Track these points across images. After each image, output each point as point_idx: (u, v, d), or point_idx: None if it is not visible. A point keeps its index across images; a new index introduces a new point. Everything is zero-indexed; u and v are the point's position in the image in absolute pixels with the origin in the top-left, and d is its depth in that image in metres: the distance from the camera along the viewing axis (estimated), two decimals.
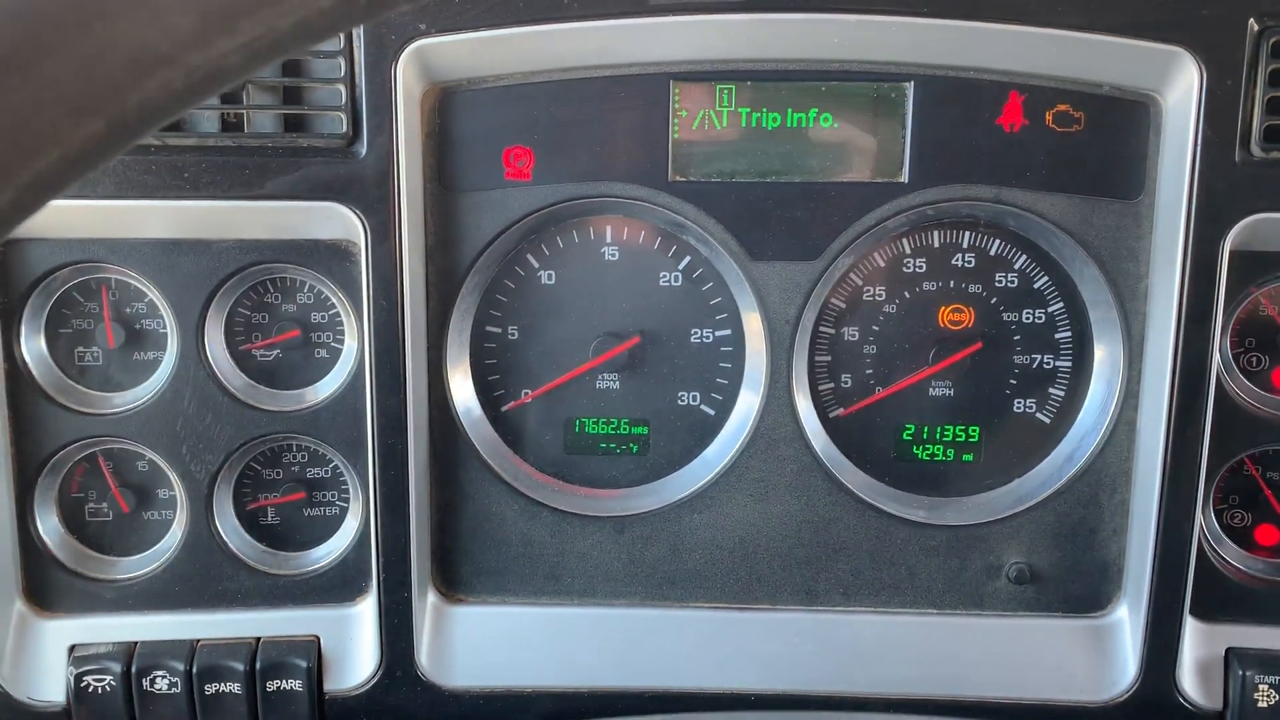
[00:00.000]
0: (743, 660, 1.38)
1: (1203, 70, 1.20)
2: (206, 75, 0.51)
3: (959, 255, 1.35)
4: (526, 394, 1.39)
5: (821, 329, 1.37)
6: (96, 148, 0.50)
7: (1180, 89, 1.22)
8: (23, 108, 0.47)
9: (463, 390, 1.37)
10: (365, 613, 1.37)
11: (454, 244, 1.31)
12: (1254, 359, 1.36)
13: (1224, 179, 1.22)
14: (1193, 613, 1.33)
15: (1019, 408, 1.38)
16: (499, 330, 1.38)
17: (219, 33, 0.50)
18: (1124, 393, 1.33)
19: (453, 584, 1.40)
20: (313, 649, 1.35)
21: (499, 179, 1.29)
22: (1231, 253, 1.25)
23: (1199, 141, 1.21)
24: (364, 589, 1.37)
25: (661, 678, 1.38)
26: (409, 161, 1.24)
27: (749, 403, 1.37)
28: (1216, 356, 1.28)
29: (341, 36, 1.22)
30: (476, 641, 1.39)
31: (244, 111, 1.25)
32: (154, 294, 1.33)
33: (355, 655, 1.37)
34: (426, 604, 1.37)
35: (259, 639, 1.35)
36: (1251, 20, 1.20)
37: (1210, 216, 1.23)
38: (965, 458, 1.40)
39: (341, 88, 1.24)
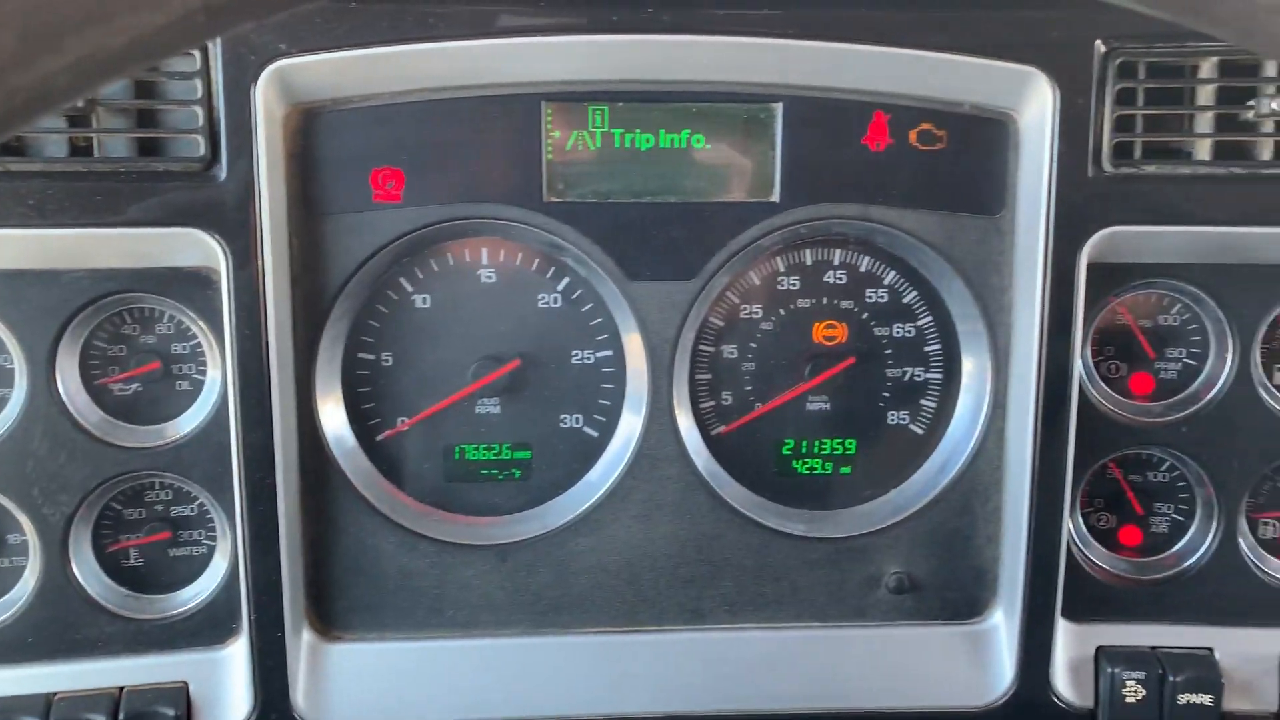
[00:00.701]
0: (631, 684, 1.37)
1: (1056, 90, 1.25)
2: (32, 97, 0.48)
3: (831, 272, 1.37)
4: (403, 421, 1.36)
5: (701, 347, 1.38)
6: None
7: (1035, 108, 1.27)
8: None
9: (334, 420, 1.33)
10: (237, 655, 1.31)
11: (321, 269, 1.27)
12: (1114, 366, 1.42)
13: (1078, 194, 1.27)
14: (1064, 614, 1.37)
15: (893, 420, 1.41)
16: (372, 357, 1.34)
17: (43, 52, 0.47)
18: (992, 403, 1.37)
19: (329, 621, 1.35)
20: (180, 696, 1.28)
21: (367, 201, 1.26)
22: (1089, 264, 1.30)
23: (1054, 158, 1.26)
24: (235, 630, 1.32)
25: (550, 707, 1.36)
26: (271, 184, 1.20)
27: (631, 423, 1.37)
28: (1078, 365, 1.33)
29: (198, 58, 1.18)
30: (356, 680, 1.34)
31: (93, 135, 1.19)
32: None
33: (227, 700, 1.31)
34: (301, 643, 1.32)
35: (122, 688, 1.28)
36: (1099, 42, 1.25)
37: (1067, 230, 1.28)
38: (843, 470, 1.42)
39: (199, 109, 1.19)
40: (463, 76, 1.25)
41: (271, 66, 1.18)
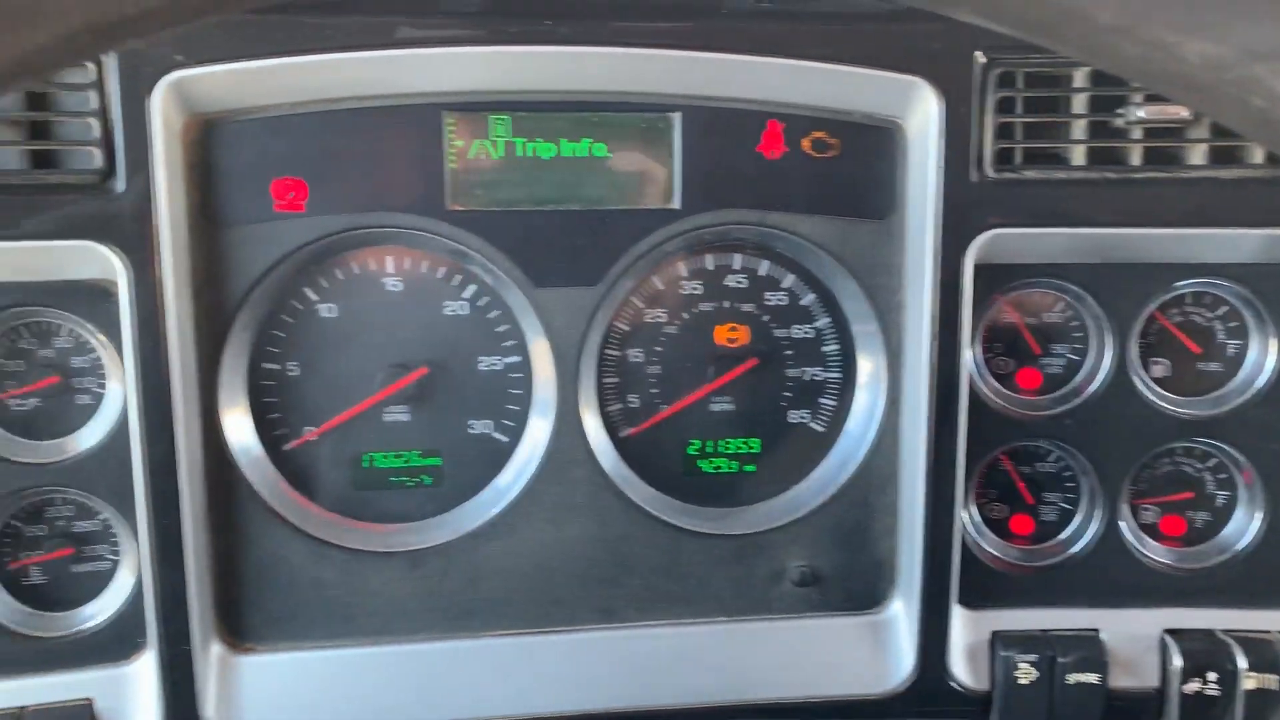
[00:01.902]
0: (545, 684, 1.39)
1: (940, 98, 1.30)
2: None
3: (732, 276, 1.41)
4: (310, 431, 1.36)
5: (607, 352, 1.40)
6: None
7: (920, 116, 1.32)
8: None
9: (240, 430, 1.32)
10: (144, 670, 1.30)
11: (223, 279, 1.27)
12: (1002, 362, 1.48)
13: (963, 198, 1.33)
14: (960, 602, 1.43)
15: (794, 419, 1.45)
16: (277, 367, 1.34)
17: None
18: (888, 400, 1.42)
19: (239, 633, 1.35)
20: (85, 714, 1.27)
21: (268, 211, 1.26)
22: (976, 265, 1.35)
23: (940, 164, 1.32)
24: (141, 645, 1.30)
25: (463, 710, 1.37)
26: (170, 196, 1.20)
27: (540, 428, 1.39)
28: (968, 361, 1.38)
29: (92, 69, 1.17)
30: (268, 691, 1.34)
31: None
32: None
33: (134, 716, 1.29)
34: (211, 656, 1.31)
35: (23, 708, 1.26)
36: (978, 52, 1.31)
37: (953, 233, 1.33)
38: (748, 469, 1.45)
39: (94, 121, 1.18)
40: (363, 87, 1.26)
41: (168, 78, 1.17)
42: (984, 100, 1.32)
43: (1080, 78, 1.36)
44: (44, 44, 0.51)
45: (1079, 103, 1.36)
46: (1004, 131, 1.34)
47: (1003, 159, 1.34)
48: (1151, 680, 1.44)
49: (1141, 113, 1.33)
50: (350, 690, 1.35)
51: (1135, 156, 1.37)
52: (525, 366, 1.39)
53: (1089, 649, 1.41)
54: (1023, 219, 1.35)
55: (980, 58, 1.31)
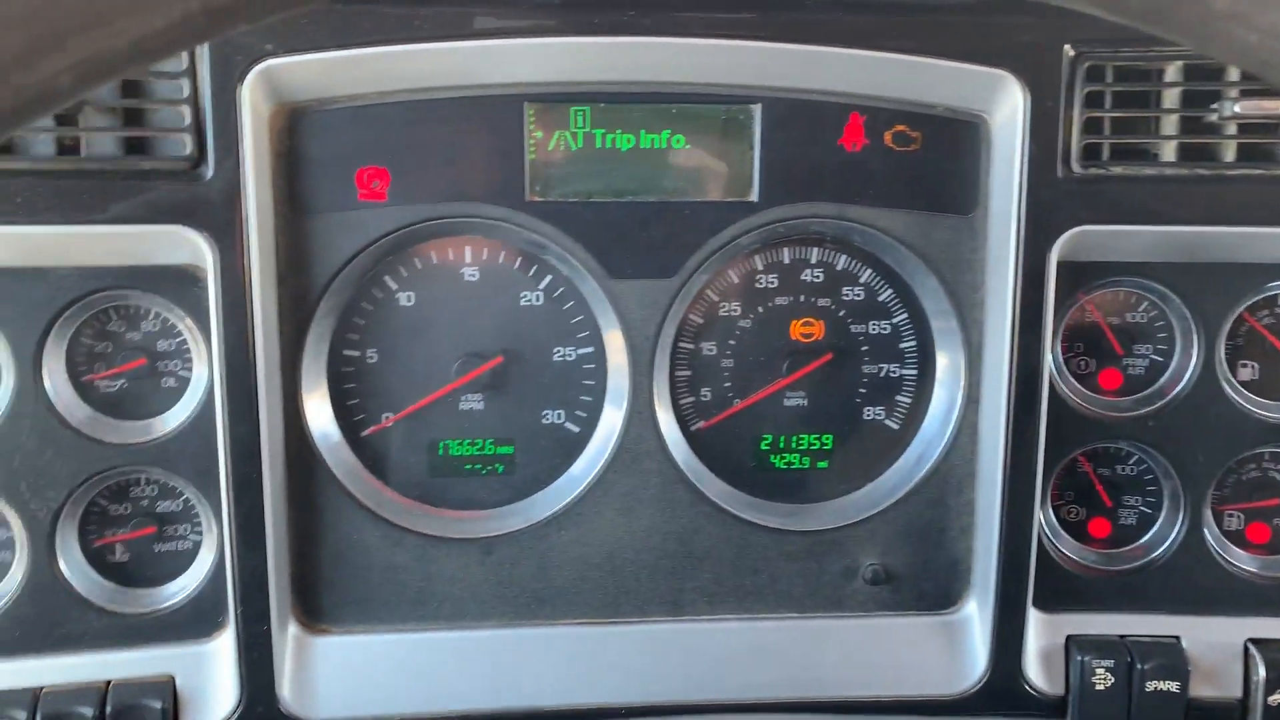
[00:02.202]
0: (612, 674, 1.39)
1: (1026, 92, 1.28)
2: (37, 95, 0.50)
3: (808, 270, 1.40)
4: (388, 417, 1.38)
5: (681, 344, 1.40)
6: None
7: (1006, 110, 1.30)
8: None
9: (320, 415, 1.35)
10: (223, 648, 1.32)
11: (307, 267, 1.29)
12: (1083, 362, 1.45)
13: (1048, 194, 1.30)
14: (1035, 605, 1.41)
15: (869, 415, 1.44)
16: (357, 353, 1.36)
17: (48, 52, 0.49)
18: (966, 398, 1.40)
19: (315, 614, 1.37)
20: (167, 689, 1.30)
21: (352, 200, 1.28)
22: (1059, 263, 1.33)
23: (1025, 159, 1.29)
24: (221, 624, 1.33)
25: (532, 697, 1.38)
26: (258, 183, 1.22)
27: (612, 419, 1.39)
28: (1049, 361, 1.36)
29: (185, 57, 1.20)
30: (342, 672, 1.36)
31: (80, 134, 1.21)
32: None
33: (213, 693, 1.32)
34: (288, 636, 1.34)
35: (109, 682, 1.29)
36: (1067, 46, 1.28)
37: (1037, 229, 1.31)
38: (820, 465, 1.44)
39: (186, 109, 1.21)
40: (446, 77, 1.27)
41: (258, 66, 1.19)
42: (1071, 94, 1.29)
43: (1173, 72, 1.33)
44: (162, 27, 0.53)
45: (1170, 97, 1.33)
46: (1091, 126, 1.31)
47: (1089, 155, 1.32)
48: (1234, 691, 1.41)
49: (1237, 108, 1.29)
50: (421, 673, 1.37)
51: (1228, 153, 1.33)
52: (598, 357, 1.39)
53: (1169, 656, 1.38)
54: (1109, 216, 1.33)
55: (1069, 51, 1.28)
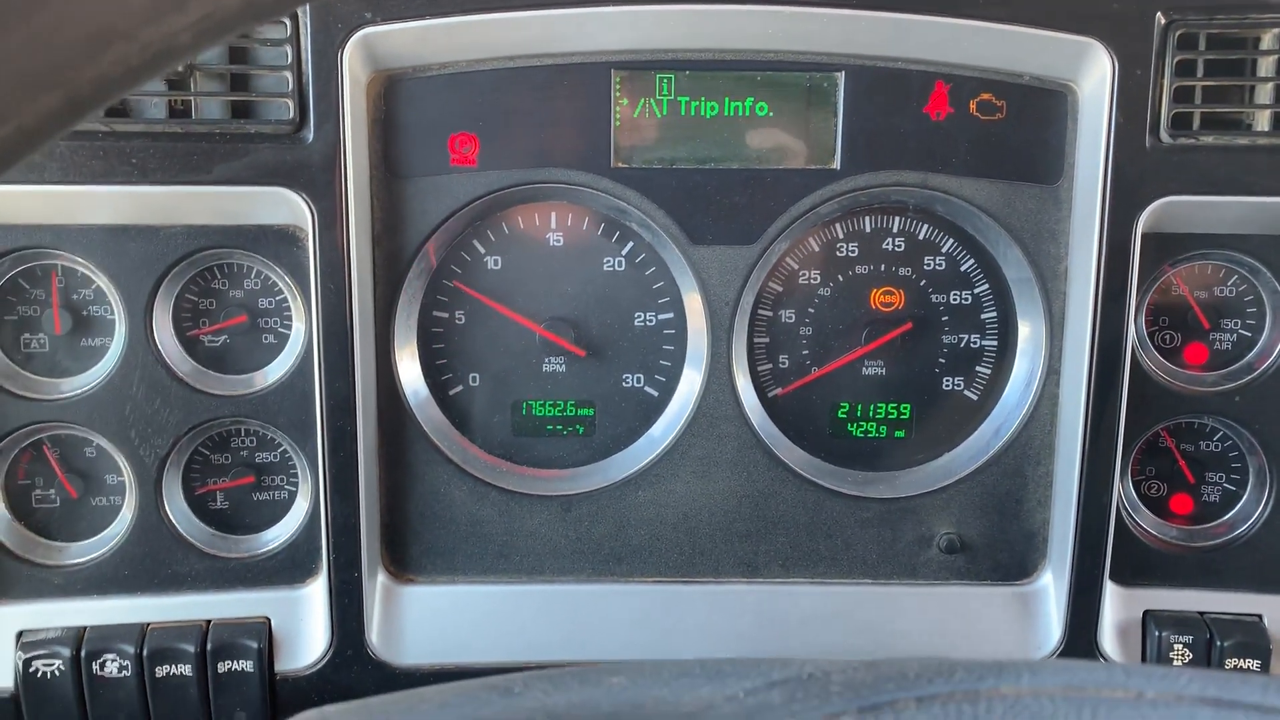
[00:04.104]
0: (686, 632, 1.42)
1: (1115, 61, 1.27)
2: (159, 51, 0.54)
3: (889, 239, 1.41)
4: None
5: (760, 311, 1.42)
6: (52, 121, 0.52)
7: (1094, 79, 1.29)
8: None
9: (410, 373, 1.40)
10: (315, 594, 1.39)
11: (400, 229, 1.34)
12: (1168, 336, 1.44)
13: (1136, 164, 1.29)
14: (1112, 578, 1.40)
15: (948, 385, 1.44)
16: (446, 315, 1.41)
17: (171, 9, 0.52)
18: (1046, 369, 1.39)
19: (402, 564, 1.43)
20: (263, 630, 1.36)
21: (444, 165, 1.32)
22: (1144, 234, 1.32)
23: (1112, 129, 1.28)
24: (314, 570, 1.39)
25: (608, 651, 1.41)
26: (356, 147, 1.27)
27: (691, 383, 1.42)
28: (1132, 333, 1.35)
29: (288, 24, 1.25)
30: (426, 620, 1.41)
31: (191, 98, 1.27)
32: (101, 280, 1.34)
33: (306, 636, 1.39)
34: (376, 584, 1.39)
35: (209, 621, 1.36)
36: (1159, 14, 1.27)
37: (1124, 200, 1.30)
38: (897, 434, 1.45)
39: (288, 74, 1.26)
40: (536, 45, 1.30)
41: (358, 34, 1.24)
42: (1162, 63, 1.28)
43: (1269, 40, 1.30)
44: None
45: (1266, 65, 1.30)
46: (1181, 95, 1.30)
47: (1179, 124, 1.30)
48: None
49: None
50: (502, 624, 1.42)
51: None
52: (678, 323, 1.42)
53: (1251, 634, 1.37)
54: (1198, 187, 1.31)
55: (1161, 19, 1.27)
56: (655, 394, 1.44)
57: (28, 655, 1.32)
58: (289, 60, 1.26)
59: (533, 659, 1.40)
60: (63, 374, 1.37)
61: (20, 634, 1.34)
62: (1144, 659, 1.39)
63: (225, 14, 0.54)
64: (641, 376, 1.44)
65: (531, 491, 1.42)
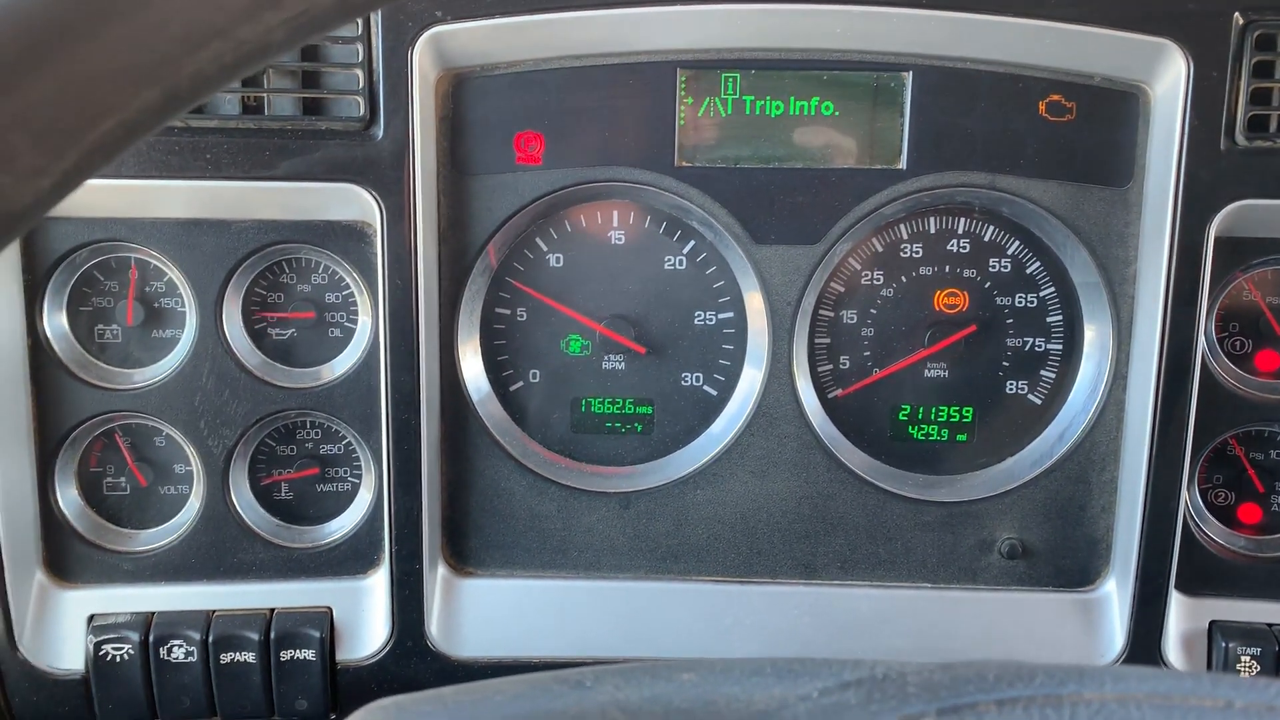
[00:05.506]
0: (743, 632, 1.42)
1: (1190, 62, 1.25)
2: (254, 49, 0.55)
3: (954, 241, 1.40)
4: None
5: (821, 312, 1.42)
6: (151, 116, 0.53)
7: (1168, 80, 1.27)
8: (90, 76, 0.51)
9: (473, 368, 1.41)
10: (377, 585, 1.41)
11: (466, 226, 1.35)
12: (1238, 342, 1.41)
13: (1209, 167, 1.27)
14: (1178, 587, 1.38)
15: (1011, 389, 1.43)
16: (508, 311, 1.42)
17: (267, 8, 0.54)
18: (1113, 374, 1.38)
19: (462, 557, 1.44)
20: (325, 620, 1.39)
21: (510, 163, 1.33)
22: (1217, 239, 1.30)
23: (1185, 131, 1.26)
24: (376, 562, 1.41)
25: (665, 648, 1.42)
26: (424, 145, 1.28)
27: (751, 382, 1.41)
28: (1202, 339, 1.33)
29: (360, 23, 1.26)
30: (485, 613, 1.42)
31: (264, 95, 1.29)
32: (174, 272, 1.37)
33: (367, 626, 1.40)
34: (437, 576, 1.41)
35: (273, 610, 1.39)
36: (1236, 14, 1.25)
37: (1196, 203, 1.28)
38: (959, 437, 1.44)
39: (359, 72, 1.28)
40: (601, 44, 1.31)
41: (428, 32, 1.25)
42: (1239, 64, 1.26)
43: None
44: None
45: None
46: (1259, 97, 1.27)
47: (1255, 127, 1.28)
48: None
49: None
50: (559, 619, 1.43)
51: None
52: (738, 322, 1.42)
53: None
54: (1274, 191, 1.28)
55: (1239, 19, 1.24)
56: (714, 393, 1.44)
57: (99, 639, 1.36)
58: (360, 58, 1.27)
59: (589, 654, 1.40)
60: (135, 365, 1.40)
61: (91, 618, 1.38)
62: (1210, 669, 1.37)
63: (319, 11, 0.55)
64: (701, 375, 1.44)
65: (590, 488, 1.43)
